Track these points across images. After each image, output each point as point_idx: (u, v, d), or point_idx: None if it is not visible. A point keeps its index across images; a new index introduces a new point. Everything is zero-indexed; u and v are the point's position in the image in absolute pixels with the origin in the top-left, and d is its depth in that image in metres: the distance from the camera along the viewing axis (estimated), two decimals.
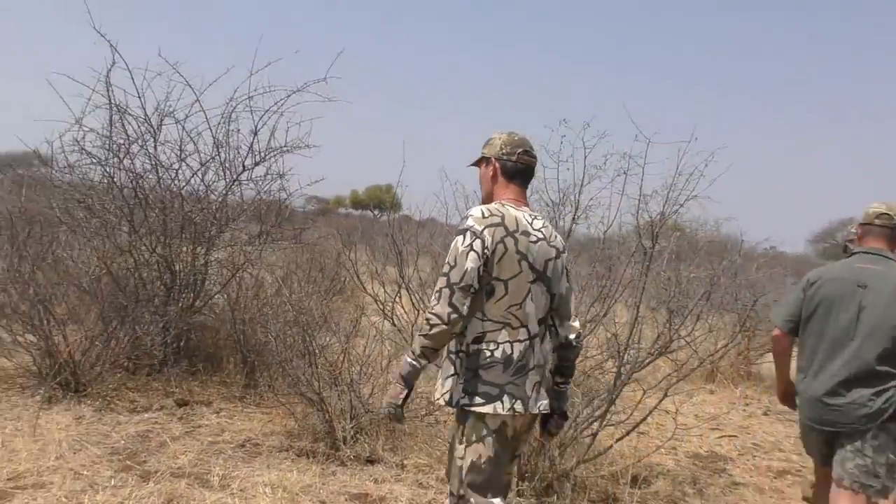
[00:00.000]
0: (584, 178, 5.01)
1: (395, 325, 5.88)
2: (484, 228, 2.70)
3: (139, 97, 6.78)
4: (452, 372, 2.79)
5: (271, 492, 4.26)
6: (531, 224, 2.84)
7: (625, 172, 4.78)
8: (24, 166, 9.12)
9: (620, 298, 5.17)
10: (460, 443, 2.79)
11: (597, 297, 5.01)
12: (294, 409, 5.55)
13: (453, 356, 2.79)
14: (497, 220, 2.74)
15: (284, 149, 7.18)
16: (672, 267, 6.81)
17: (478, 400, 2.71)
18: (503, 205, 2.84)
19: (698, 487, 5.25)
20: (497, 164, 2.94)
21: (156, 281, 6.92)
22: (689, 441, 6.50)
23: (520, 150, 2.94)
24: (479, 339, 2.74)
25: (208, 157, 7.05)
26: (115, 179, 6.82)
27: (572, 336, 2.95)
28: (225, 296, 7.29)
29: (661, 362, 6.10)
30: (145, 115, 6.83)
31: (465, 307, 2.64)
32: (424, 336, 2.67)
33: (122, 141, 6.83)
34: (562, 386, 3.01)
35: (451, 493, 2.86)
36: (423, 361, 2.71)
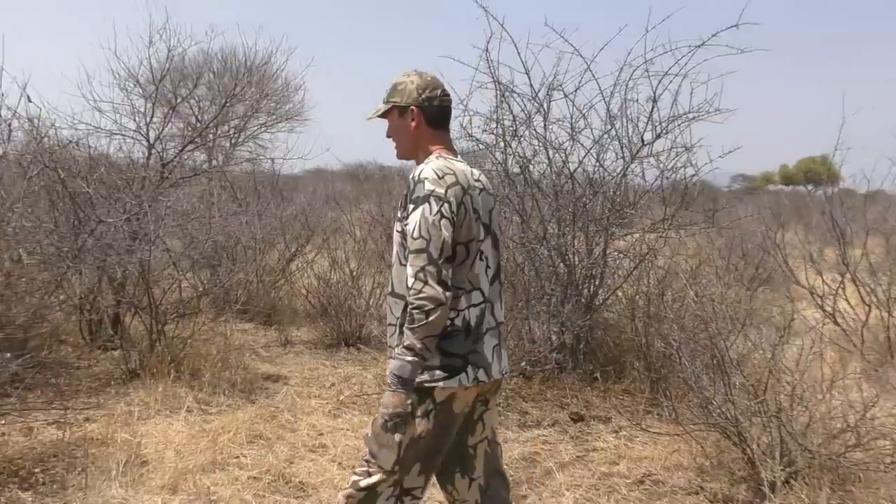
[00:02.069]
0: None
1: (839, 326, 4.37)
2: (447, 190, 2.42)
3: (526, 73, 6.14)
4: None
5: None
6: (471, 174, 2.59)
7: None
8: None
9: None
10: (413, 417, 2.43)
11: None
12: (705, 440, 4.40)
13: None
14: (453, 178, 2.47)
15: (690, 116, 5.99)
16: None
17: (439, 374, 2.42)
18: (446, 159, 2.54)
19: None
20: (419, 112, 2.59)
21: (550, 276, 6.23)
22: None
23: (439, 90, 2.63)
24: None
25: (602, 133, 6.17)
26: (505, 165, 6.29)
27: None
28: (626, 290, 6.38)
29: None
30: (533, 91, 6.17)
31: (450, 280, 2.38)
32: (422, 327, 2.32)
33: (508, 123, 6.25)
34: None
35: (378, 470, 2.45)
36: (427, 354, 2.36)
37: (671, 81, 5.91)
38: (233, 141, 24.48)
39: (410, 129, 2.61)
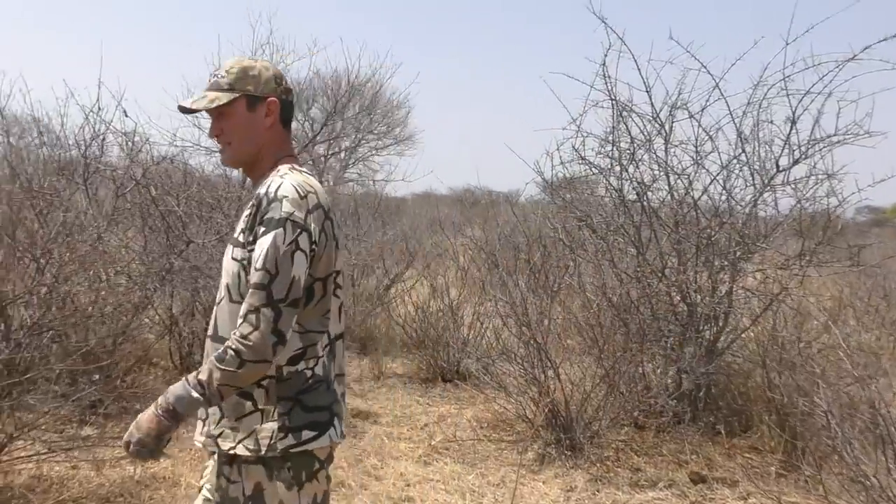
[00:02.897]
0: None
1: None
2: (307, 215, 1.91)
3: (646, 91, 5.59)
4: (252, 409, 1.94)
5: None
6: (325, 192, 2.05)
7: None
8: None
9: None
10: (288, 489, 1.93)
11: None
12: None
13: (251, 387, 1.92)
14: (315, 199, 1.95)
15: (834, 139, 5.30)
16: None
17: (307, 435, 1.94)
18: (301, 172, 2.01)
19: None
20: (277, 106, 2.07)
21: (668, 315, 5.61)
22: None
23: (286, 82, 2.12)
24: (297, 358, 1.97)
25: (731, 158, 5.54)
26: (621, 192, 5.74)
27: None
28: (755, 333, 5.68)
29: None
30: (654, 111, 5.61)
31: (291, 329, 1.87)
32: (227, 374, 1.82)
33: (625, 145, 5.71)
34: None
35: None
36: (217, 401, 1.88)
37: (812, 101, 5.26)
38: (343, 164, 24.75)
39: (262, 128, 2.06)
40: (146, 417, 1.88)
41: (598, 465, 4.79)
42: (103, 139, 5.29)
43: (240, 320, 1.84)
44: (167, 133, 7.19)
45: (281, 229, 1.86)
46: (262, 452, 1.90)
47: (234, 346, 1.82)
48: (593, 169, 5.88)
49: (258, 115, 2.04)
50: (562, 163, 5.99)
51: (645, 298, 5.59)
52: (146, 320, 6.10)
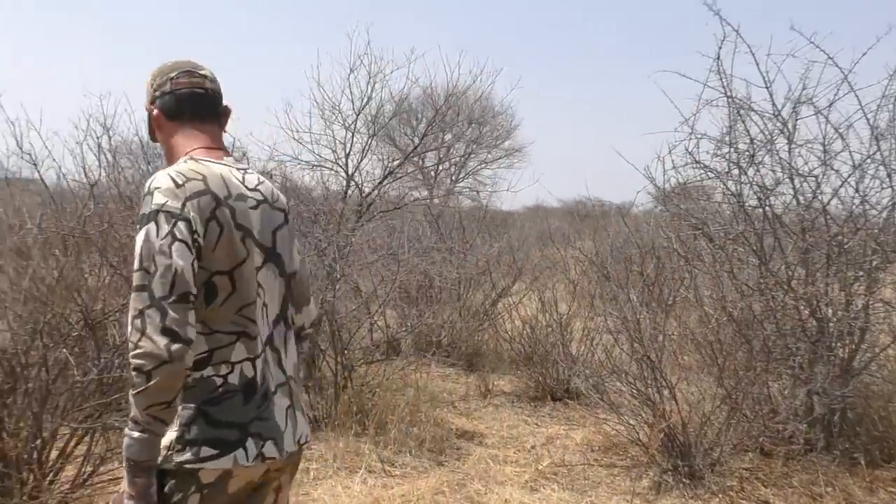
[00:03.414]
0: None
1: None
2: (185, 203, 1.73)
3: (766, 86, 5.16)
4: None
5: None
6: (244, 181, 1.91)
7: None
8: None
9: None
10: None
11: None
12: None
13: None
14: (199, 185, 1.78)
15: None
16: None
17: (207, 452, 1.73)
18: (198, 160, 1.86)
19: None
20: (156, 109, 1.96)
21: (796, 331, 5.13)
22: None
23: (174, 73, 1.96)
24: (203, 363, 1.77)
25: (864, 157, 5.02)
26: (740, 197, 5.31)
27: (308, 325, 2.15)
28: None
29: None
30: (775, 108, 5.16)
31: (190, 326, 1.66)
32: (143, 393, 1.62)
33: (744, 146, 5.28)
34: None
35: None
36: (160, 427, 1.65)
37: None
38: (453, 178, 24.73)
39: (163, 135, 2.01)
40: (123, 486, 1.70)
41: (720, 495, 4.40)
42: None
43: (129, 328, 1.68)
44: (266, 147, 7.26)
45: (153, 223, 1.72)
46: (159, 462, 1.71)
47: (132, 364, 1.65)
48: (709, 173, 5.46)
49: (154, 125, 2.01)
50: (674, 167, 5.61)
51: (769, 312, 5.13)
52: None
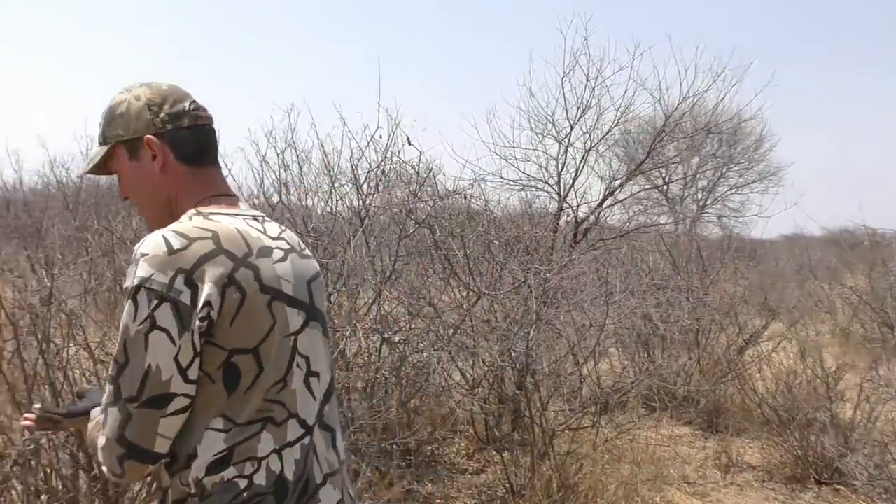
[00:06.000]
0: None
1: None
2: (178, 275, 1.34)
3: None
4: None
5: None
6: (265, 231, 1.52)
7: None
8: None
9: None
10: None
11: None
12: None
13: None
14: (207, 245, 1.39)
15: None
16: None
17: None
18: (205, 215, 1.46)
19: None
20: (161, 143, 1.50)
21: None
22: None
23: (187, 102, 1.54)
24: (222, 464, 1.39)
25: None
26: None
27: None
28: None
29: None
30: None
31: (160, 437, 1.35)
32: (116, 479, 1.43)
33: None
34: None
35: None
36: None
37: None
38: (700, 203, 22.79)
39: (156, 175, 1.52)
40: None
41: None
42: (383, 172, 4.60)
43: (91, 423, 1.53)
44: (463, 162, 6.56)
45: (130, 302, 1.36)
46: None
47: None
48: None
49: (144, 162, 1.53)
50: None
51: None
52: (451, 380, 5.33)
